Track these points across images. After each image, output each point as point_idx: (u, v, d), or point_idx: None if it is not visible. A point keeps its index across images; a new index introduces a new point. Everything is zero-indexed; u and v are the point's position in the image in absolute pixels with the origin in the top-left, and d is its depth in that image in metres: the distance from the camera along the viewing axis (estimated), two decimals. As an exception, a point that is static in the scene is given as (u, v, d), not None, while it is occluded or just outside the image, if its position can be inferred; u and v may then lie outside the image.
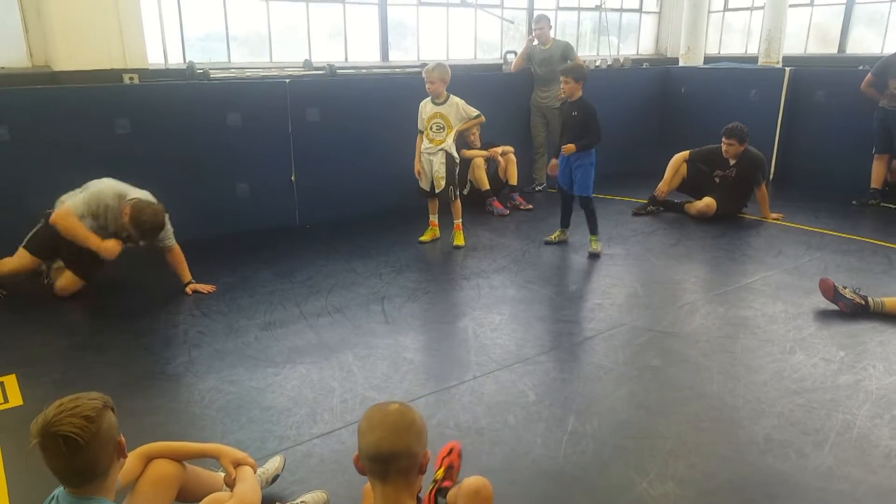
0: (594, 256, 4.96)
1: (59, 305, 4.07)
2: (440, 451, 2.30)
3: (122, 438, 1.66)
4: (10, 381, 3.10)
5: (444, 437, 2.63)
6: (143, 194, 4.08)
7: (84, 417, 1.53)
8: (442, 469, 2.19)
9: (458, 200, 5.21)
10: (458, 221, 5.22)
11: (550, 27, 6.83)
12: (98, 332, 3.69)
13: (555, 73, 6.73)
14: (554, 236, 5.29)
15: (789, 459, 2.52)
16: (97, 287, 4.25)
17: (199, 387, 3.08)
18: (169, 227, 4.13)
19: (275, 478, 2.35)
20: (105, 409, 1.60)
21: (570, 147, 4.91)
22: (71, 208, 3.94)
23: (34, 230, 4.13)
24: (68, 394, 1.63)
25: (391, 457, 1.61)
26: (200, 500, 1.96)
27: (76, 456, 1.52)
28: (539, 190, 7.06)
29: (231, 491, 1.97)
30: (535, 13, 6.98)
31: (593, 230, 5.04)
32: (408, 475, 1.64)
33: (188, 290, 4.22)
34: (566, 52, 6.76)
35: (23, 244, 4.10)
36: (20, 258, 4.10)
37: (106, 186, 4.05)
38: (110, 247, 3.99)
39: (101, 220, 4.02)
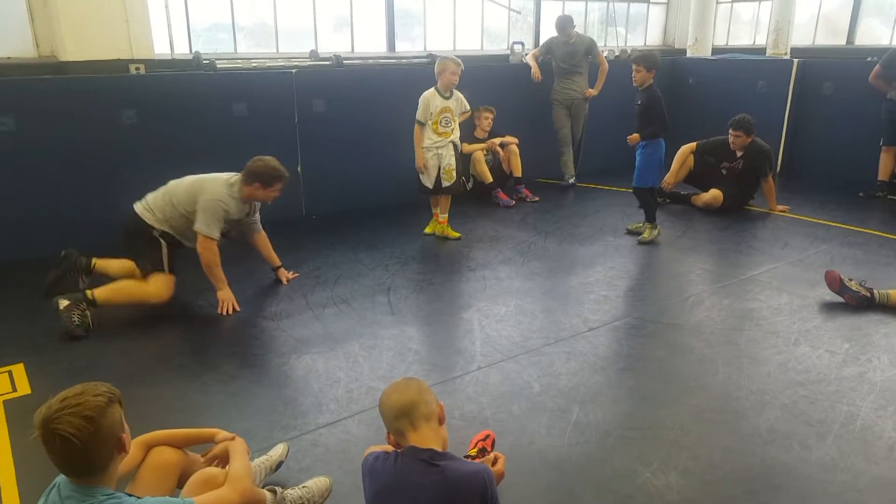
0: (643, 243, 4.98)
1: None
2: (477, 434, 2.50)
3: (125, 434, 1.64)
4: (19, 370, 3.14)
5: (449, 428, 2.63)
6: (216, 176, 3.91)
7: (83, 417, 1.52)
8: (475, 449, 2.37)
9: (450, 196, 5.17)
10: (446, 216, 5.20)
11: (574, 26, 6.78)
12: (104, 322, 3.71)
13: (578, 66, 6.75)
14: (635, 226, 5.27)
15: (793, 450, 2.52)
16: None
17: (204, 376, 3.10)
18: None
19: (279, 465, 2.38)
20: (109, 406, 1.58)
21: (634, 137, 4.89)
22: (210, 234, 3.75)
23: (157, 252, 3.79)
24: (75, 383, 1.64)
25: (409, 406, 1.82)
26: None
27: (72, 454, 1.53)
28: (572, 183, 6.93)
29: (222, 467, 2.00)
30: (560, 15, 6.87)
31: (648, 218, 5.05)
32: (429, 420, 1.84)
33: (282, 277, 4.27)
34: (590, 48, 6.76)
35: (164, 270, 3.79)
36: (164, 283, 3.77)
37: (207, 185, 3.80)
38: (227, 297, 3.83)
39: (232, 213, 3.86)
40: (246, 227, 4.15)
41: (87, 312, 3.58)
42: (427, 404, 1.84)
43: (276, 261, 4.31)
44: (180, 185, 3.86)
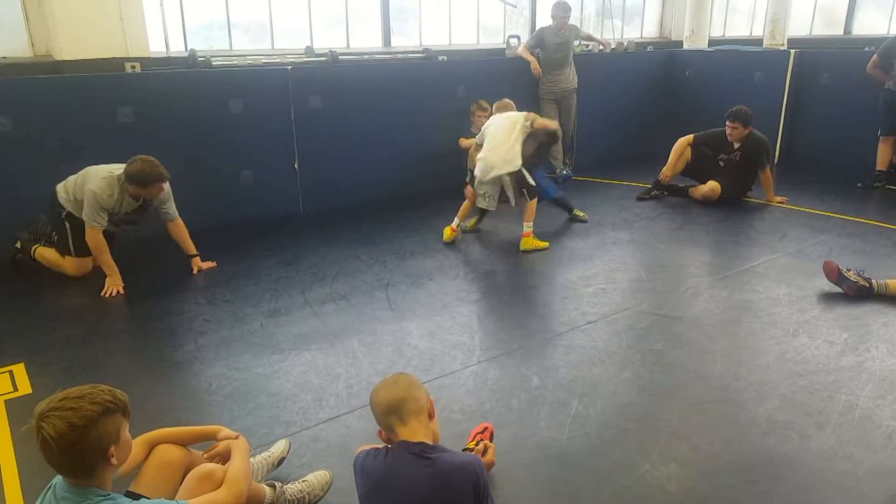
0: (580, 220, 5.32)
1: (67, 293, 4.11)
2: (475, 427, 2.52)
3: (117, 446, 1.60)
4: (19, 370, 3.14)
5: (449, 422, 2.66)
6: (102, 168, 4.16)
7: (69, 424, 1.51)
8: (473, 442, 2.38)
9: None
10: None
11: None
12: (105, 320, 3.72)
13: (568, 57, 6.82)
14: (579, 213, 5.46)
15: (791, 440, 2.53)
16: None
17: (205, 374, 3.11)
18: (171, 193, 4.27)
19: (280, 461, 2.39)
20: (103, 417, 1.56)
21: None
22: (90, 223, 4.03)
23: (64, 234, 4.22)
24: (76, 382, 1.64)
25: (398, 402, 1.85)
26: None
27: (51, 455, 1.53)
28: (566, 175, 6.89)
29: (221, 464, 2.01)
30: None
31: (570, 208, 5.38)
32: (419, 415, 1.87)
33: (194, 266, 4.37)
34: (577, 33, 6.91)
35: (71, 253, 4.24)
36: (76, 264, 4.26)
37: (91, 176, 4.08)
38: (113, 284, 4.09)
39: (115, 207, 4.11)
40: (159, 216, 4.33)
41: (25, 259, 4.34)
42: (416, 400, 1.87)
43: (191, 249, 4.44)
44: (79, 174, 4.17)
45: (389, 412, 1.85)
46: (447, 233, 4.93)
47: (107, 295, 4.03)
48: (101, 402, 1.58)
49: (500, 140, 4.84)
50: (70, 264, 4.25)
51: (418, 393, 1.89)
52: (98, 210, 4.02)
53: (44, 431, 1.51)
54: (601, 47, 7.93)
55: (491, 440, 2.44)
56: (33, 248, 4.31)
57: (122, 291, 4.08)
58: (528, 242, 4.79)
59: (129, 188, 4.05)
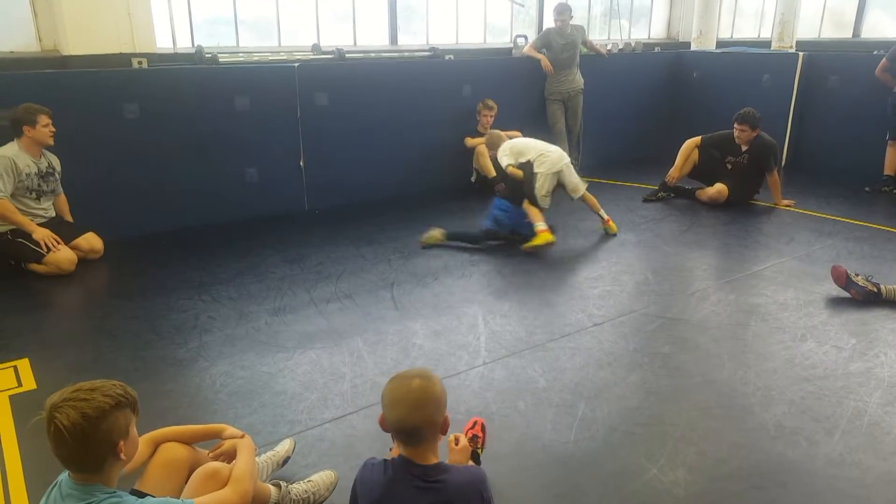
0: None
1: (71, 290, 4.10)
2: (465, 425, 2.42)
3: (126, 441, 1.61)
4: (24, 365, 3.13)
5: (454, 423, 2.62)
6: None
7: (82, 414, 1.52)
8: (467, 439, 2.29)
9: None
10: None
11: (572, 17, 6.87)
12: (109, 317, 3.71)
13: (575, 57, 6.85)
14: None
15: (800, 446, 2.51)
16: (107, 271, 4.28)
17: (210, 371, 3.10)
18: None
19: (285, 460, 2.38)
20: (114, 410, 1.57)
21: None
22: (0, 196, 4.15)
23: (22, 249, 4.22)
24: (80, 378, 1.63)
25: (415, 430, 1.72)
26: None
27: (62, 446, 1.53)
28: None
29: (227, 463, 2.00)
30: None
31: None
32: (431, 441, 1.77)
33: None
34: (583, 34, 6.93)
35: (43, 252, 4.22)
36: (59, 258, 4.25)
37: (3, 147, 4.20)
38: (43, 235, 4.18)
39: (23, 168, 4.22)
40: (52, 194, 4.48)
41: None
42: (433, 425, 1.74)
43: (69, 218, 4.61)
44: None
45: (401, 432, 1.74)
46: (549, 236, 4.67)
47: (48, 248, 4.13)
48: (114, 395, 1.59)
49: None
50: (54, 262, 4.17)
51: (437, 416, 1.74)
52: (9, 174, 4.11)
53: (57, 421, 1.51)
54: (620, 48, 7.95)
55: (483, 431, 2.39)
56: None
57: (59, 241, 4.19)
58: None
59: (24, 141, 4.19)
